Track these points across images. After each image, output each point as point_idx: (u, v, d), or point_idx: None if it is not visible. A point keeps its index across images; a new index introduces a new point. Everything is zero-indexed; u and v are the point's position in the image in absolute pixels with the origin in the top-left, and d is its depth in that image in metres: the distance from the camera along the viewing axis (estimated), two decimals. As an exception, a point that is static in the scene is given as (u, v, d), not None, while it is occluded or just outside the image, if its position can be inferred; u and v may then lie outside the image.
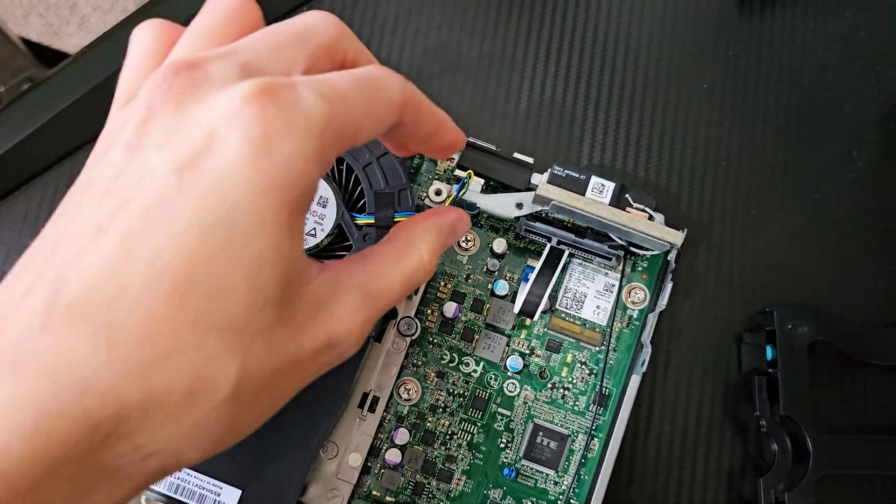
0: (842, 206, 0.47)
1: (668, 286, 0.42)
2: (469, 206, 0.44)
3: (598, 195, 0.43)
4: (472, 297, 0.44)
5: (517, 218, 0.44)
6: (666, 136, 0.48)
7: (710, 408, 0.44)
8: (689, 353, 0.45)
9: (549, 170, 0.43)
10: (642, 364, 0.42)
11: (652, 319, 0.42)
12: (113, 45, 0.49)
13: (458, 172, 0.44)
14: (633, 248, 0.43)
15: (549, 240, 0.44)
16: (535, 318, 0.43)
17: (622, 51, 0.49)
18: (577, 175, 0.43)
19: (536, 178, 0.44)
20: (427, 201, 0.44)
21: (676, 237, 0.41)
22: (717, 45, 0.49)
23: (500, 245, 0.44)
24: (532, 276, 0.43)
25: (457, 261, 0.44)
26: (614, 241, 0.43)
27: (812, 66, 0.49)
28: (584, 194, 0.42)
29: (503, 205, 0.44)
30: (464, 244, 0.45)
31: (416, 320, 0.43)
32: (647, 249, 0.43)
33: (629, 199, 0.43)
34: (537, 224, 0.44)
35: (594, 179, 0.43)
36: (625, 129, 0.48)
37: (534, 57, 0.49)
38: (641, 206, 0.43)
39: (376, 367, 0.42)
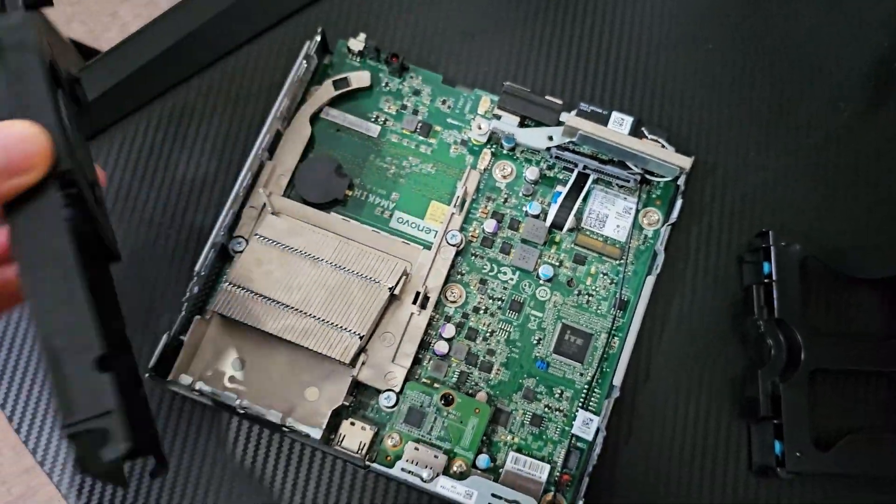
0: (829, 149, 0.54)
1: (679, 203, 0.49)
2: (508, 139, 0.51)
3: (618, 127, 0.50)
4: (509, 217, 0.51)
5: (548, 148, 0.51)
6: (677, 87, 0.55)
7: (716, 318, 0.51)
8: (698, 273, 0.51)
9: (577, 107, 0.50)
10: (656, 267, 0.48)
11: (665, 231, 0.49)
12: (145, 38, 0.55)
13: (496, 111, 0.52)
14: (647, 175, 0.50)
15: (576, 166, 0.50)
16: (563, 231, 0.50)
17: (639, 16, 0.56)
18: (601, 111, 0.50)
19: (564, 117, 0.51)
20: (471, 135, 0.51)
21: (685, 161, 0.48)
22: (719, 11, 0.56)
23: (533, 173, 0.51)
24: (560, 199, 0.50)
25: (496, 187, 0.51)
26: (632, 168, 0.50)
27: (802, 30, 0.56)
28: (606, 126, 0.49)
29: (536, 137, 0.51)
30: (502, 172, 0.52)
31: (461, 233, 0.49)
32: (660, 176, 0.50)
33: (644, 131, 0.50)
34: (566, 153, 0.50)
35: (615, 114, 0.50)
36: (641, 81, 0.55)
37: (562, 17, 0.56)
38: (655, 137, 0.50)
39: (426, 271, 0.48)
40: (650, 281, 0.48)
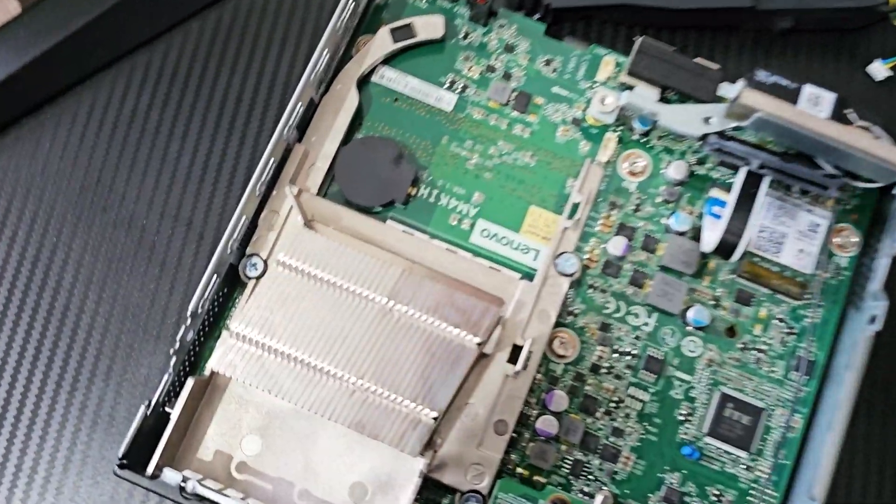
0: None
1: (904, 224, 0.34)
2: (643, 120, 0.36)
3: (811, 108, 0.34)
4: (642, 233, 0.36)
5: (704, 136, 0.35)
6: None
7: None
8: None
9: (751, 75, 0.34)
10: (872, 321, 0.33)
11: (885, 265, 0.33)
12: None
13: (623, 78, 0.36)
14: (851, 179, 0.35)
15: (747, 163, 0.35)
16: (733, 259, 0.34)
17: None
18: (787, 84, 0.34)
19: (725, 89, 0.35)
20: (592, 112, 0.36)
21: (918, 162, 0.33)
22: None
23: (679, 170, 0.36)
24: (727, 210, 0.34)
25: (622, 188, 0.36)
26: (826, 168, 0.34)
27: None
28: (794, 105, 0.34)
29: (688, 119, 0.35)
30: (631, 167, 0.36)
31: (577, 256, 0.34)
32: (870, 181, 0.34)
33: (850, 115, 0.34)
34: (729, 143, 0.35)
35: (808, 89, 0.34)
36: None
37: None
38: (866, 124, 0.34)
39: (527, 314, 0.33)
40: (865, 340, 0.32)
